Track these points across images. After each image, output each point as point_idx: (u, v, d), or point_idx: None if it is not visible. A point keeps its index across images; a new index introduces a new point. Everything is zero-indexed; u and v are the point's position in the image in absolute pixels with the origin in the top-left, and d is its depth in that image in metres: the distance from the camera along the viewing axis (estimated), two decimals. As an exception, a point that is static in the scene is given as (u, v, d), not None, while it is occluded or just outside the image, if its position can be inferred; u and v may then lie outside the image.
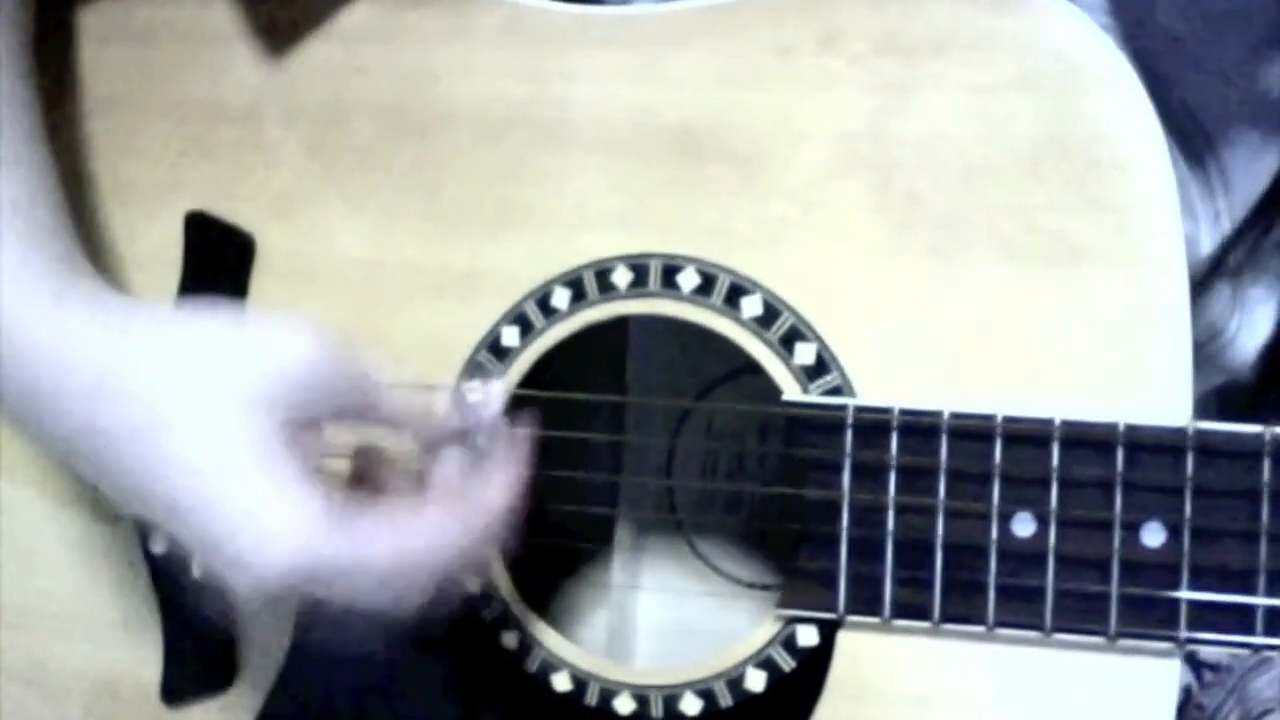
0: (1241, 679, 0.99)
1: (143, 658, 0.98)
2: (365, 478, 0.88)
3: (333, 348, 0.82)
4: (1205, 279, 0.94)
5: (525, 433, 0.88)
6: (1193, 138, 0.90)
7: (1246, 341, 0.97)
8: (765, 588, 1.03)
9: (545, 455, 0.94)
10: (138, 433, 0.80)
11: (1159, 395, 0.81)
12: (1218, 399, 0.98)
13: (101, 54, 0.98)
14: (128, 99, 0.98)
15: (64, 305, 0.84)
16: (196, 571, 0.96)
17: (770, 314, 0.87)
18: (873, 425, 0.84)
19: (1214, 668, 1.01)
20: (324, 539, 0.79)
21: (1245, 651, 0.82)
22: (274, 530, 0.79)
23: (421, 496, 0.86)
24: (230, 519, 0.79)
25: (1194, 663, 1.01)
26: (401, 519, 0.82)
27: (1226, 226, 0.92)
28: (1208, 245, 0.92)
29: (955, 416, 0.83)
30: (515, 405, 0.90)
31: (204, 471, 0.79)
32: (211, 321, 0.84)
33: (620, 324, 0.92)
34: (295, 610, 0.94)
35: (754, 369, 0.88)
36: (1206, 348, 0.94)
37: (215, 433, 0.79)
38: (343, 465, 0.88)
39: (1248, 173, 0.91)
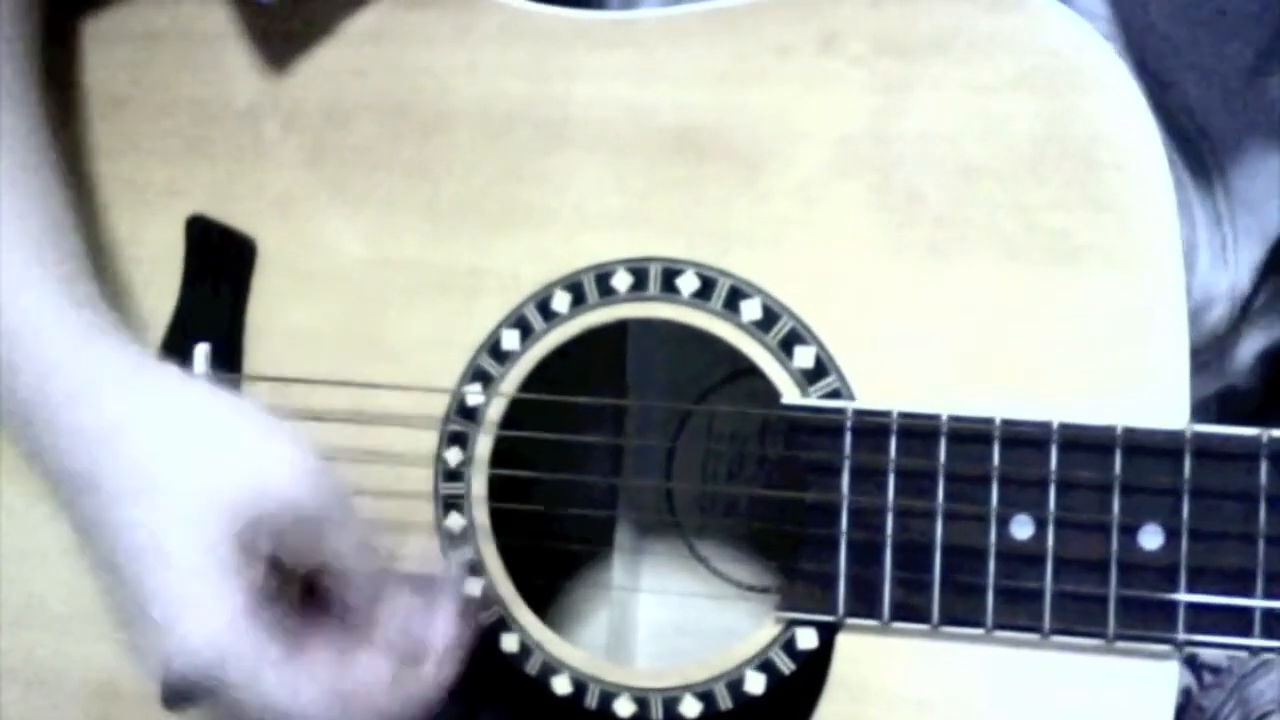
0: (1242, 681, 0.99)
1: (143, 659, 0.98)
2: (315, 593, 0.87)
3: (318, 490, 0.83)
4: (1235, 326, 0.94)
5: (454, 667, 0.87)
6: (1194, 143, 0.90)
7: (1246, 348, 0.97)
8: (765, 590, 1.03)
9: (546, 458, 0.94)
10: (121, 497, 0.83)
11: (1157, 397, 0.81)
12: (1218, 405, 0.98)
13: (103, 55, 0.99)
14: (130, 100, 0.98)
15: (75, 346, 0.86)
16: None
17: (770, 317, 0.87)
18: (872, 428, 0.84)
19: (1214, 670, 1.01)
20: (247, 659, 0.81)
21: (1244, 653, 0.81)
22: (192, 629, 0.81)
23: (361, 638, 0.86)
24: (157, 598, 0.81)
25: (1194, 665, 1.01)
26: (325, 669, 0.83)
27: (1227, 231, 0.92)
28: (1206, 250, 0.92)
29: (954, 419, 0.83)
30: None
31: (164, 551, 0.82)
32: (218, 414, 0.85)
33: (620, 327, 0.92)
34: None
35: (752, 370, 0.88)
36: (1206, 353, 0.94)
37: (187, 525, 0.81)
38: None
39: (1251, 179, 0.91)
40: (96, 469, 0.83)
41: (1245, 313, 0.94)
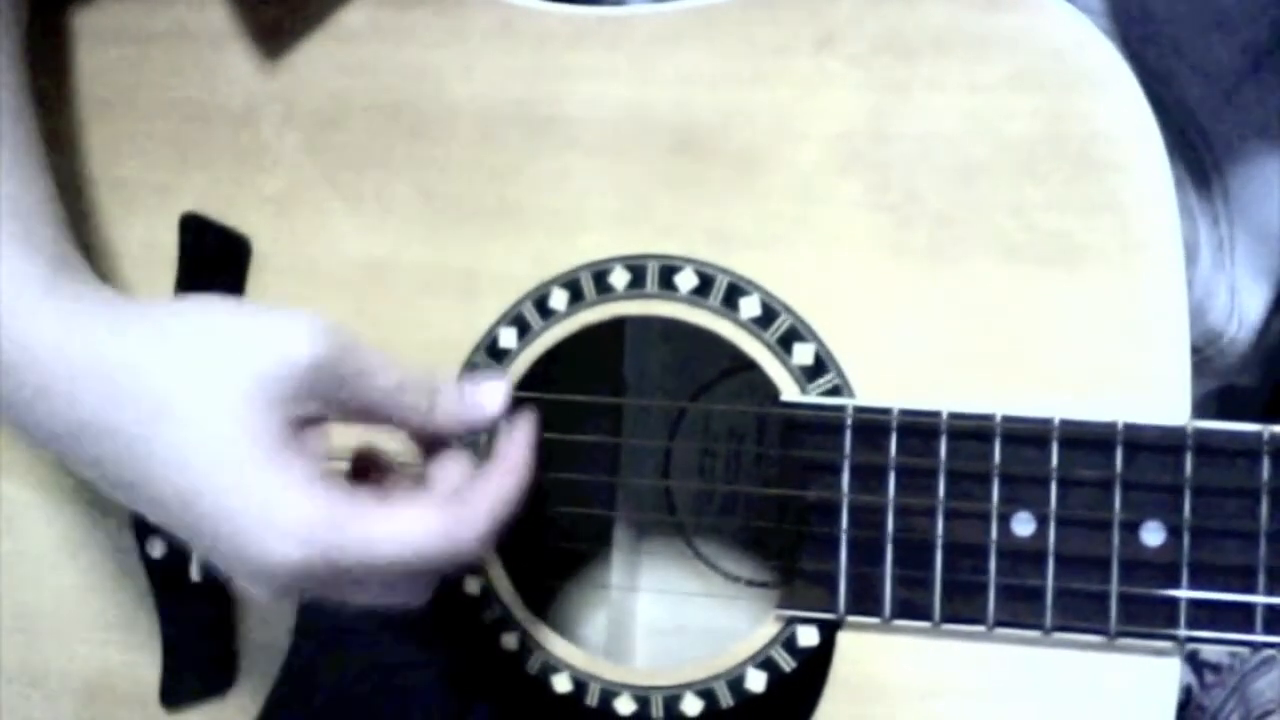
0: (1243, 679, 0.99)
1: (141, 661, 0.98)
2: (366, 478, 0.88)
3: (337, 343, 0.81)
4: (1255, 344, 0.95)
5: (527, 429, 0.88)
6: (1192, 142, 0.91)
7: (1245, 345, 0.97)
8: (764, 585, 1.03)
9: (543, 457, 0.93)
10: (142, 429, 0.80)
11: (1158, 394, 0.81)
12: (1219, 402, 0.98)
13: (98, 55, 0.98)
14: (124, 100, 0.98)
15: (63, 303, 0.84)
16: (195, 574, 0.96)
17: (768, 314, 0.87)
18: (872, 426, 0.84)
19: (1215, 668, 1.01)
20: (328, 537, 0.79)
21: (1245, 650, 0.82)
22: (278, 527, 0.78)
23: (425, 496, 0.85)
24: (234, 515, 0.79)
25: (1195, 663, 1.01)
26: (405, 518, 0.81)
27: (1224, 232, 0.92)
28: (1206, 249, 0.92)
29: (954, 416, 0.83)
30: (514, 406, 0.90)
31: (209, 468, 0.79)
32: (214, 316, 0.83)
33: (617, 325, 0.92)
34: (297, 608, 0.94)
35: (748, 367, 0.88)
36: (1205, 351, 0.94)
37: (220, 429, 0.79)
38: (344, 466, 0.87)
39: (1250, 179, 0.91)
40: (109, 414, 0.81)
41: (1260, 335, 0.94)
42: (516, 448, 0.87)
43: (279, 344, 0.80)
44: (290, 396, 0.80)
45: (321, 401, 0.81)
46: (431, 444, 0.87)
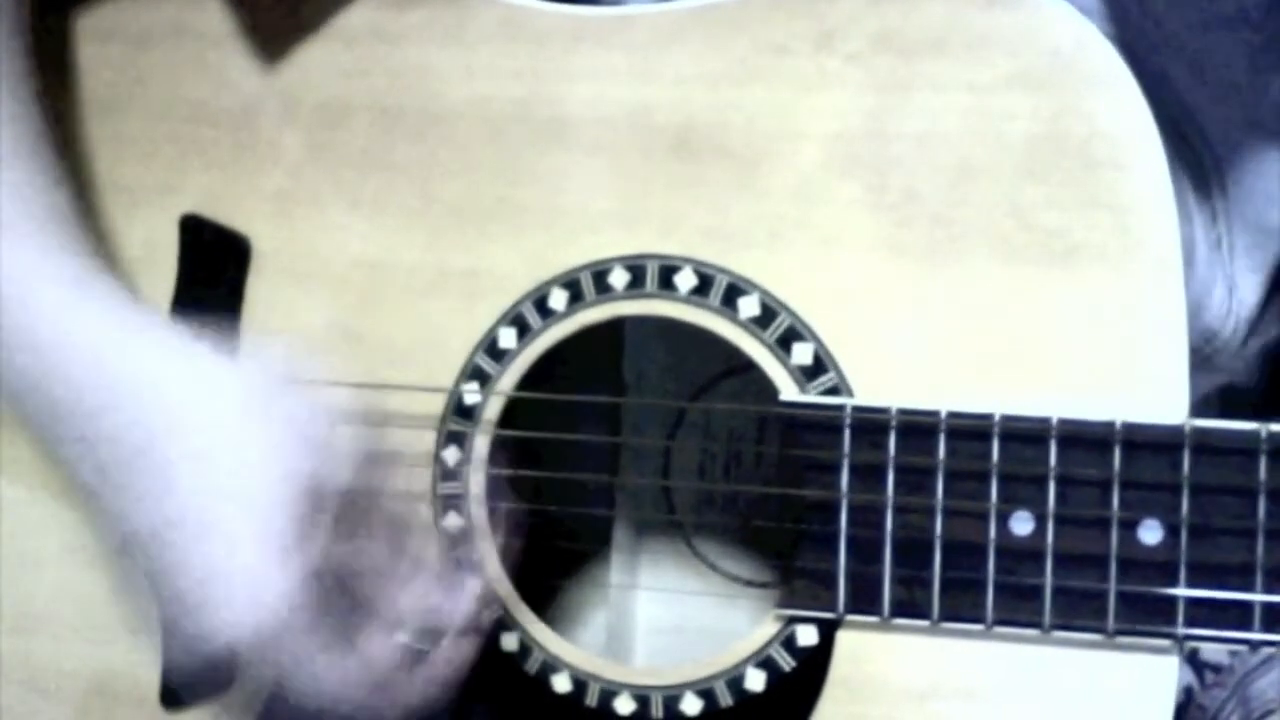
0: (1243, 680, 0.99)
1: (141, 661, 0.98)
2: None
3: (362, 467, 0.83)
4: (1242, 339, 0.95)
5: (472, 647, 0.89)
6: (1190, 142, 0.91)
7: (1242, 344, 0.97)
8: (764, 585, 1.03)
9: (543, 457, 0.94)
10: (156, 441, 0.81)
11: (1156, 393, 0.81)
12: (1220, 402, 0.98)
13: (99, 55, 0.98)
14: (125, 100, 0.98)
15: (84, 301, 0.84)
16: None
17: (767, 314, 0.87)
18: (871, 425, 0.84)
19: (1216, 668, 1.01)
20: (300, 613, 0.80)
21: (1246, 650, 0.82)
22: (256, 584, 0.79)
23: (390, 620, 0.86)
24: (225, 556, 0.80)
25: (1195, 663, 1.01)
26: (354, 666, 0.83)
27: (1223, 230, 0.92)
28: (1203, 248, 0.92)
29: (953, 416, 0.83)
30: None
31: (213, 510, 0.80)
32: (264, 383, 0.84)
33: (616, 326, 0.92)
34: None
35: (746, 368, 0.88)
36: (1204, 350, 0.94)
37: (238, 487, 0.80)
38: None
39: (1249, 178, 0.91)
40: (141, 431, 0.81)
41: (1253, 327, 0.94)
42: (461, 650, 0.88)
43: (321, 447, 0.82)
44: (311, 499, 0.80)
45: (332, 516, 0.82)
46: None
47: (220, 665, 0.82)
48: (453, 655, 0.87)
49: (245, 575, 0.80)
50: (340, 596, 0.84)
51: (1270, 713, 0.97)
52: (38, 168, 0.88)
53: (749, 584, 1.04)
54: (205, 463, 0.80)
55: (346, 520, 0.83)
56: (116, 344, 0.83)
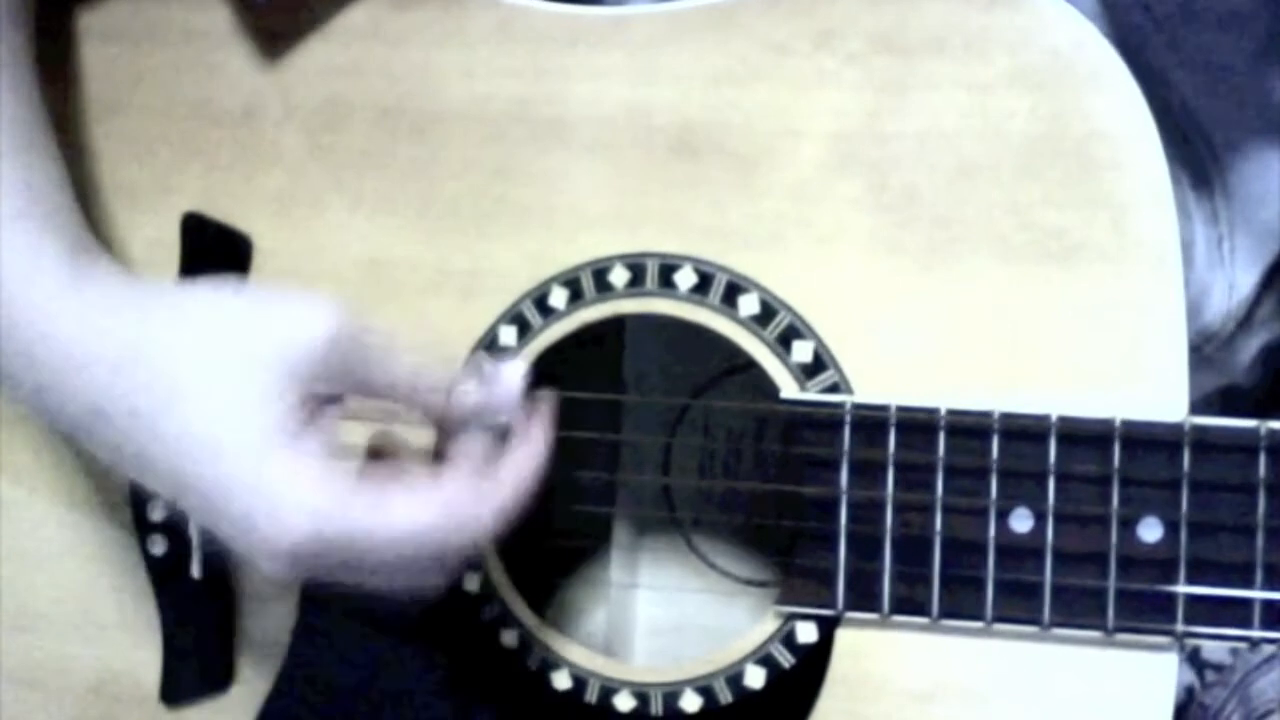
0: (1244, 679, 0.99)
1: (141, 659, 0.98)
2: (383, 457, 0.88)
3: (350, 323, 0.82)
4: (1236, 332, 0.95)
5: (547, 407, 0.88)
6: (1192, 141, 0.91)
7: (1242, 343, 0.97)
8: (763, 585, 1.03)
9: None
10: (157, 408, 0.81)
11: (1155, 391, 0.81)
12: (1221, 402, 0.98)
13: (100, 54, 0.98)
14: (126, 100, 0.98)
15: (82, 283, 0.85)
16: (195, 571, 0.96)
17: (767, 312, 0.87)
18: (870, 422, 0.84)
19: (1217, 667, 1.01)
20: (345, 510, 0.80)
21: (1244, 646, 0.82)
22: (293, 501, 0.79)
23: (442, 472, 0.85)
24: (249, 491, 0.80)
25: (1197, 662, 1.01)
26: (423, 493, 0.82)
27: (1224, 230, 0.92)
28: (1202, 247, 0.92)
29: (952, 413, 0.83)
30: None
31: (223, 445, 0.80)
32: (229, 298, 0.85)
33: (616, 323, 0.92)
34: (298, 606, 0.94)
35: (747, 367, 0.88)
36: (1204, 350, 0.94)
37: (235, 407, 0.80)
38: (361, 444, 0.88)
39: (1250, 177, 0.92)
40: (129, 397, 0.82)
41: (1249, 319, 0.94)
42: (537, 425, 0.87)
43: (294, 324, 0.81)
44: (305, 375, 0.81)
45: (338, 380, 0.82)
46: (450, 423, 0.87)
47: (306, 574, 0.82)
48: (517, 464, 0.86)
49: (270, 480, 0.80)
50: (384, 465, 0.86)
51: (1271, 712, 0.97)
52: (37, 165, 0.89)
53: (748, 581, 1.04)
54: (188, 397, 0.81)
55: (355, 379, 0.83)
56: (100, 319, 0.84)
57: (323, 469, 0.80)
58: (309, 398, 0.81)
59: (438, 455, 0.89)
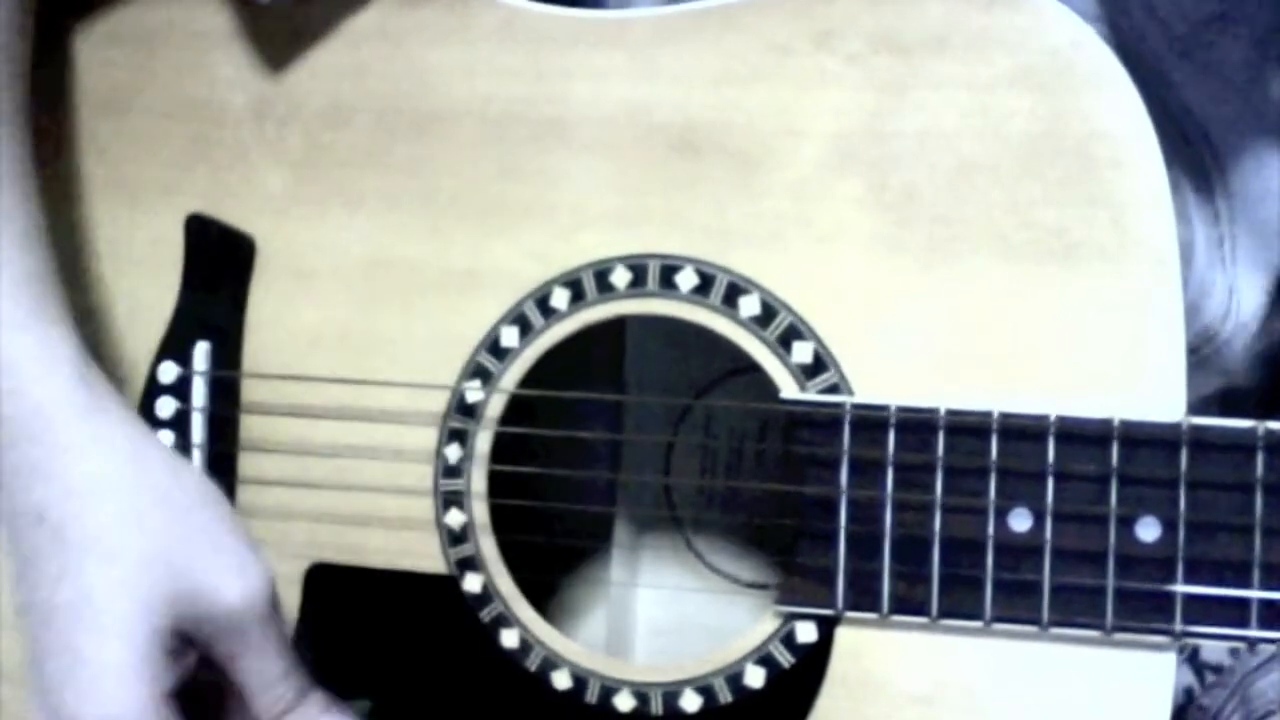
0: (1244, 680, 0.99)
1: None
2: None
3: (260, 617, 0.86)
4: (1240, 336, 0.95)
5: None
6: (1192, 142, 0.91)
7: (1242, 344, 0.97)
8: (763, 587, 1.03)
9: (545, 454, 0.94)
10: (68, 538, 0.85)
11: (1153, 390, 0.81)
12: (1220, 403, 0.98)
13: (103, 56, 0.99)
14: (129, 100, 0.98)
15: (92, 393, 0.88)
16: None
17: (768, 313, 0.87)
18: (870, 422, 0.84)
19: (1216, 669, 1.01)
20: None
21: (1246, 649, 0.82)
22: (99, 697, 0.83)
23: None
24: (85, 663, 0.83)
25: (1196, 663, 1.01)
26: None
27: (1225, 230, 0.92)
28: (1202, 248, 0.92)
29: (952, 413, 0.83)
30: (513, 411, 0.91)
31: (101, 609, 0.84)
32: (211, 505, 0.89)
33: (617, 326, 0.92)
34: (299, 608, 0.95)
35: (749, 368, 0.89)
36: (1202, 350, 0.94)
37: (137, 596, 0.84)
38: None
39: (1251, 177, 0.92)
40: (64, 519, 0.85)
41: (1259, 328, 0.95)
42: None
43: (220, 575, 0.86)
44: (196, 621, 0.85)
45: (206, 641, 0.86)
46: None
47: None
48: None
49: (119, 671, 0.83)
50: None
51: (1271, 713, 0.96)
52: (43, 251, 0.91)
53: (748, 584, 1.04)
54: (107, 562, 0.84)
55: (228, 657, 0.87)
56: (47, 414, 0.87)
57: (165, 699, 0.84)
58: (188, 640, 0.85)
59: None
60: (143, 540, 0.85)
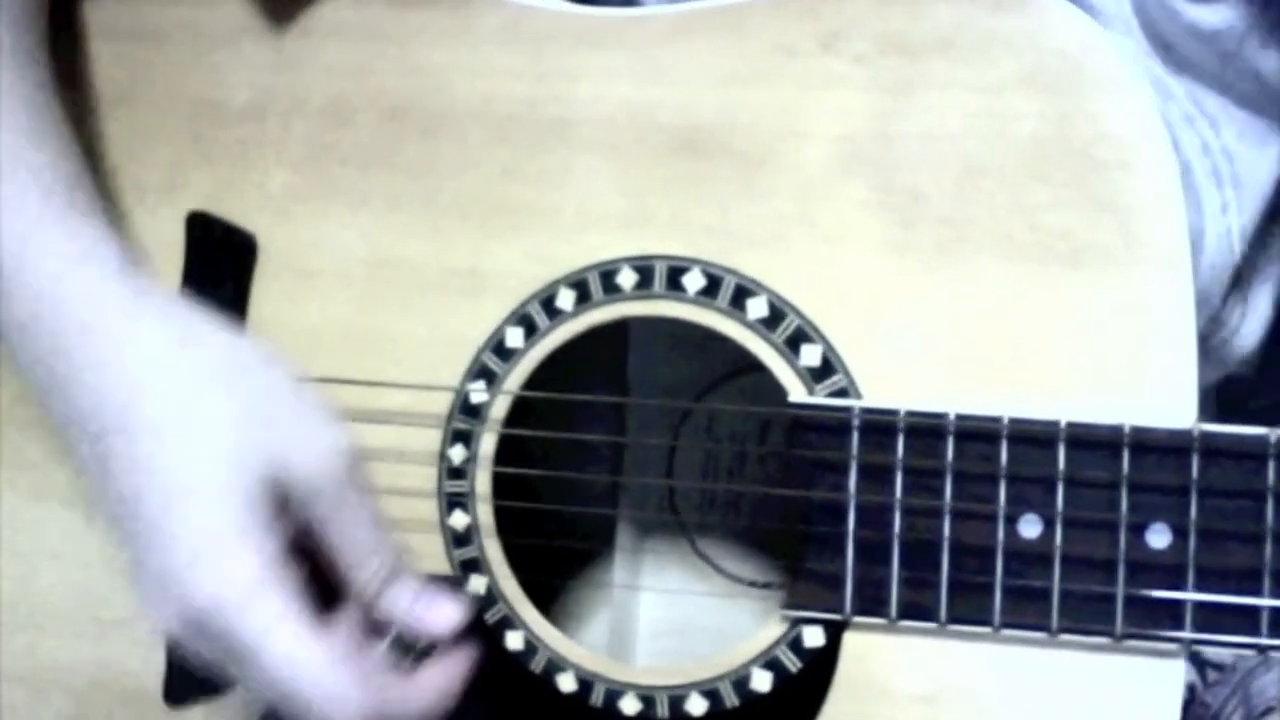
0: (1245, 677, 1.00)
1: (144, 657, 0.98)
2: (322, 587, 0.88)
3: (350, 479, 0.84)
4: (1228, 296, 0.95)
5: (464, 661, 0.88)
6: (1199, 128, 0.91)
7: (1249, 334, 0.97)
8: (767, 586, 1.03)
9: (548, 456, 0.94)
10: (156, 424, 0.82)
11: (1164, 396, 0.81)
12: (1217, 395, 0.98)
13: (107, 52, 0.98)
14: (133, 97, 0.98)
15: (134, 283, 0.86)
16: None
17: (776, 315, 0.87)
18: (879, 426, 0.84)
19: (1218, 666, 1.01)
20: (245, 613, 0.80)
21: (1250, 651, 0.82)
22: (210, 574, 0.80)
23: (340, 646, 0.84)
24: (181, 541, 0.81)
25: (1198, 661, 1.02)
26: (317, 649, 0.82)
27: (1234, 220, 0.92)
28: (1212, 237, 0.92)
29: (961, 418, 0.83)
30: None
31: (189, 488, 0.81)
32: (272, 372, 0.86)
33: (620, 327, 0.92)
34: None
35: (748, 371, 0.88)
36: (1210, 340, 0.94)
37: (220, 466, 0.81)
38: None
39: (1254, 164, 0.92)
40: (129, 401, 0.82)
41: (1238, 281, 0.94)
42: (447, 673, 0.88)
43: (305, 440, 0.83)
44: (285, 486, 0.82)
45: (300, 510, 0.83)
46: (372, 617, 0.87)
47: (188, 636, 0.82)
48: (436, 680, 0.87)
49: (220, 543, 0.80)
50: (313, 586, 0.85)
51: (1271, 710, 0.97)
52: (43, 131, 0.89)
53: (751, 584, 1.04)
54: (188, 436, 0.82)
55: (323, 523, 0.84)
56: (93, 310, 0.84)
57: (246, 558, 0.80)
58: (282, 506, 0.82)
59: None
60: (214, 406, 0.82)
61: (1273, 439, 0.79)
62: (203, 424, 0.82)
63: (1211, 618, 0.80)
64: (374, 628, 0.86)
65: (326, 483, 0.83)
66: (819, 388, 0.86)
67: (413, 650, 0.88)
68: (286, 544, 0.83)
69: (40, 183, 0.86)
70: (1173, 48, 0.91)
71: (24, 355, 0.86)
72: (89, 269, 0.85)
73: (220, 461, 0.81)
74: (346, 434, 0.84)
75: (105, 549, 0.98)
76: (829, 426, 0.85)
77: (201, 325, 0.86)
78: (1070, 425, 0.81)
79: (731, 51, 0.88)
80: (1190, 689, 1.01)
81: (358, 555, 0.85)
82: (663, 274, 0.89)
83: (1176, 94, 0.92)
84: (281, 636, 0.81)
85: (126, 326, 0.84)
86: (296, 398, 0.85)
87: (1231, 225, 0.93)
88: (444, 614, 0.87)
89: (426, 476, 0.93)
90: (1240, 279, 0.94)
